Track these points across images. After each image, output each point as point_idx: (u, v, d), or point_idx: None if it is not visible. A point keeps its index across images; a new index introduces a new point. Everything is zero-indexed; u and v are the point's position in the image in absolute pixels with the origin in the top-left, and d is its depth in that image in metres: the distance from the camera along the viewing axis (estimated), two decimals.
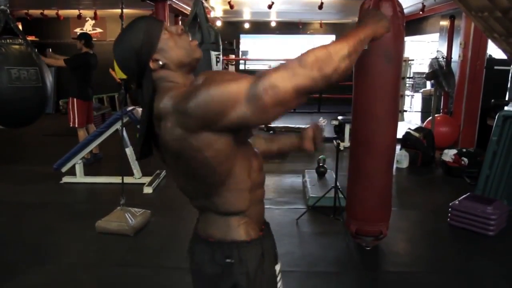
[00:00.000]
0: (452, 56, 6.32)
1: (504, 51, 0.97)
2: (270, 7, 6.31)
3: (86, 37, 5.14)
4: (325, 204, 3.65)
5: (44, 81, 2.99)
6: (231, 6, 6.27)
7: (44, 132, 6.99)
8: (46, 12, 8.06)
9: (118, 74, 3.23)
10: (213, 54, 2.81)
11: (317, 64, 0.90)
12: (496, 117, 3.56)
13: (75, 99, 5.01)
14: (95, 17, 8.20)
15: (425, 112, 7.53)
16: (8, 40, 2.90)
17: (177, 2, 6.43)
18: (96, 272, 2.79)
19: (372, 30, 1.04)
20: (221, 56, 2.94)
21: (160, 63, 1.07)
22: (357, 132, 2.97)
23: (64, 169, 4.50)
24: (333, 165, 4.47)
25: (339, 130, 6.49)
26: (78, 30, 9.63)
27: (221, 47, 2.94)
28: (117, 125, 4.38)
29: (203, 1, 2.84)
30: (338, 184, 3.61)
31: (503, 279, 2.78)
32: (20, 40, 2.96)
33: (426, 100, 7.73)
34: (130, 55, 1.06)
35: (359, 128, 2.94)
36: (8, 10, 2.92)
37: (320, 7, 6.29)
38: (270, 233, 1.26)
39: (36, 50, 3.08)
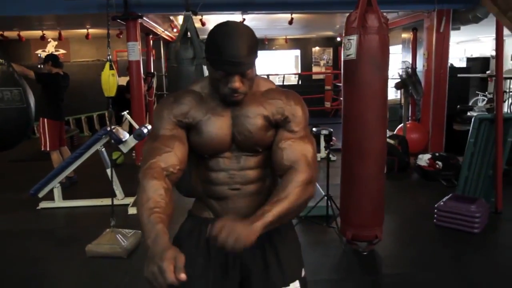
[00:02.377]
0: (417, 66, 6.64)
1: None
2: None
3: (52, 58, 5.00)
4: (316, 214, 3.69)
5: (28, 102, 2.91)
6: (203, 23, 6.31)
7: (9, 158, 6.66)
8: (7, 33, 7.78)
9: (106, 92, 3.16)
10: (206, 68, 2.80)
11: None
12: (472, 120, 3.76)
13: (45, 120, 4.81)
14: (59, 38, 7.98)
15: (392, 120, 7.82)
16: None
17: (148, 21, 6.39)
18: None
19: None
20: None
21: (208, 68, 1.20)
22: (349, 140, 3.05)
23: (41, 194, 4.31)
24: (321, 175, 4.55)
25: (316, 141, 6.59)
26: (39, 52, 9.37)
27: None
28: (97, 146, 4.26)
29: (192, 16, 2.84)
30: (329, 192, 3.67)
31: (492, 271, 2.92)
32: (1, 61, 2.86)
33: (391, 109, 8.04)
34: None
35: (350, 135, 3.02)
36: None
37: (290, 22, 6.46)
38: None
39: None
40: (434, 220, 3.64)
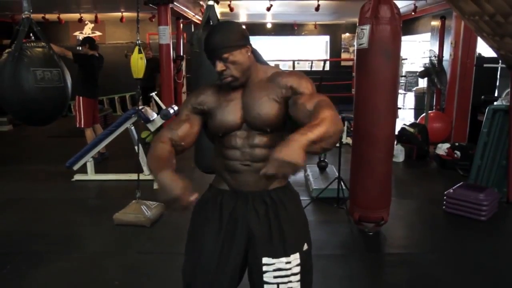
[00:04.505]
0: (444, 55, 6.59)
1: (492, 47, 1.15)
2: (268, 9, 6.54)
3: (89, 41, 5.35)
4: (328, 195, 3.88)
5: (65, 81, 3.20)
6: (231, 9, 6.48)
7: (48, 134, 7.15)
8: (48, 16, 8.21)
9: (135, 74, 3.42)
10: None
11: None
12: (486, 110, 3.81)
13: (81, 98, 5.18)
14: (96, 21, 8.37)
15: (418, 109, 7.81)
16: (32, 44, 3.10)
17: (179, 5, 6.63)
18: (119, 259, 2.99)
19: None
20: None
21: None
22: (359, 125, 3.20)
23: (75, 167, 4.68)
24: (332, 160, 4.72)
25: None
26: (77, 34, 9.82)
27: None
28: (127, 124, 4.57)
29: (215, 5, 3.04)
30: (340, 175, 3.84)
31: (494, 258, 3.03)
32: (42, 43, 3.16)
33: (419, 98, 8.00)
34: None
35: (361, 121, 3.17)
36: (31, 16, 3.12)
37: (317, 9, 6.53)
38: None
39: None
40: (443, 207, 3.75)
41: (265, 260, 1.44)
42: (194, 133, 1.49)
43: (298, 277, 1.45)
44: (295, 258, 1.45)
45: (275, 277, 1.43)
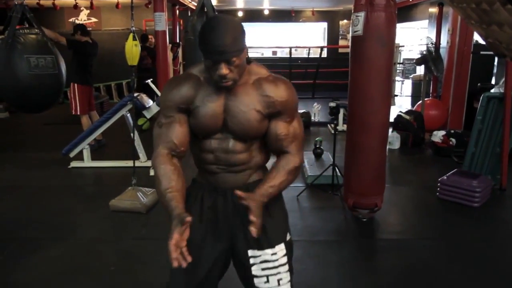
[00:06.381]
0: (441, 42, 6.57)
1: (480, 35, 1.15)
2: None
3: (80, 28, 5.28)
4: (323, 182, 3.91)
5: (59, 68, 3.19)
6: None
7: (44, 121, 7.13)
8: (42, 2, 8.12)
9: (129, 61, 3.41)
10: None
11: None
12: (481, 98, 3.82)
13: (75, 85, 5.13)
14: (91, 7, 8.29)
15: (415, 96, 7.80)
16: (25, 30, 3.08)
17: None
18: (114, 245, 3.02)
19: None
20: None
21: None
22: (353, 113, 3.21)
23: (72, 154, 4.69)
24: (328, 147, 4.74)
25: (336, 111, 6.72)
26: (72, 20, 9.73)
27: None
28: (123, 111, 4.57)
29: None
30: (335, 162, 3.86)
31: (485, 243, 3.07)
32: (36, 30, 3.14)
33: (416, 85, 8.00)
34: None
35: (355, 108, 3.17)
36: (24, 2, 3.10)
37: None
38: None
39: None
40: (437, 194, 3.79)
41: (250, 252, 1.44)
42: (187, 132, 1.41)
43: (286, 267, 1.46)
44: (281, 248, 1.46)
45: (263, 269, 1.43)
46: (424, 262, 2.79)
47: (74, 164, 4.74)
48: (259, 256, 1.44)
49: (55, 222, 3.36)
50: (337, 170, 3.85)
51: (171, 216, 1.25)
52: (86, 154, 4.74)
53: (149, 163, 4.63)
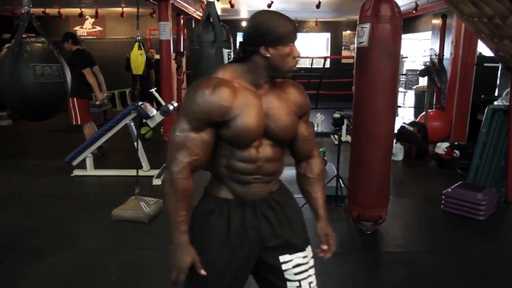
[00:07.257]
0: (444, 53, 6.58)
1: (490, 48, 1.15)
2: (269, 6, 6.52)
3: (70, 36, 5.19)
4: (326, 193, 3.84)
5: (65, 77, 3.20)
6: (232, 5, 6.47)
7: (47, 129, 7.15)
8: (48, 10, 8.19)
9: (134, 70, 3.42)
10: (225, 51, 3.03)
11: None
12: (486, 110, 3.81)
13: (74, 98, 5.01)
14: (96, 15, 8.35)
15: (418, 107, 7.80)
16: (31, 39, 3.10)
17: (179, 1, 6.62)
18: (116, 255, 2.99)
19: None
20: (232, 53, 3.16)
21: (267, 55, 1.28)
22: (358, 124, 3.20)
23: (75, 163, 4.69)
24: (332, 158, 4.72)
25: (340, 122, 6.71)
26: (77, 29, 9.81)
27: (232, 44, 3.16)
28: (127, 120, 4.57)
29: (216, 1, 3.04)
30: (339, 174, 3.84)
31: (491, 257, 3.03)
32: (42, 39, 3.16)
33: (419, 96, 8.00)
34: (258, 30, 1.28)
35: (360, 120, 3.17)
36: (31, 10, 3.11)
37: (318, 6, 6.52)
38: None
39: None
40: (442, 206, 3.76)
41: (282, 258, 1.42)
42: (212, 146, 1.32)
43: (314, 270, 1.47)
44: (309, 250, 1.47)
45: (295, 273, 1.43)
46: (428, 276, 2.76)
47: (76, 172, 4.73)
48: (291, 260, 1.43)
49: (58, 231, 3.34)
50: (341, 181, 3.83)
51: (179, 236, 1.31)
52: (89, 162, 4.73)
53: (152, 173, 4.63)
